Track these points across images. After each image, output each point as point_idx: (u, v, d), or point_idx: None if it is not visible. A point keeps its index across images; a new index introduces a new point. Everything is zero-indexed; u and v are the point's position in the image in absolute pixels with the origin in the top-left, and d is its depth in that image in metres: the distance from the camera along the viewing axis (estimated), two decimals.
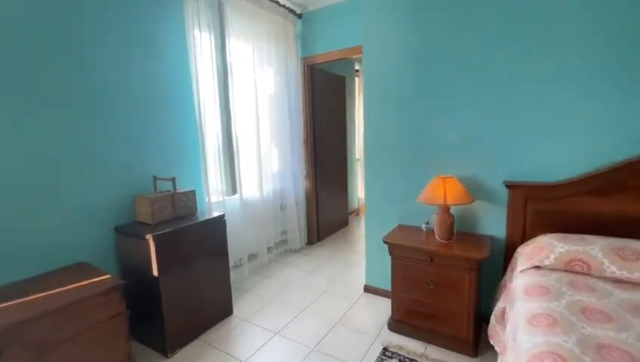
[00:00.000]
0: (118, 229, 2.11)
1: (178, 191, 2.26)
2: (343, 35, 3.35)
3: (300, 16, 3.59)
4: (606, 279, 1.50)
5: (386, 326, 2.27)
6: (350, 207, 5.18)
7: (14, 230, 1.71)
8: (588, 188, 1.81)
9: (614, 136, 1.76)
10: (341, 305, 2.59)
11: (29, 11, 1.72)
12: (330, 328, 2.30)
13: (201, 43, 2.58)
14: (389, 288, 2.27)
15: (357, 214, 5.51)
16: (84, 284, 1.67)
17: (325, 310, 2.53)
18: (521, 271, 1.66)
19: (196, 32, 2.52)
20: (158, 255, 1.93)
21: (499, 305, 1.73)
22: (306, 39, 3.66)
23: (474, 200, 2.07)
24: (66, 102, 1.88)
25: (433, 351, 2.03)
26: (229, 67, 2.87)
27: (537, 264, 1.63)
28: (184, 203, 2.29)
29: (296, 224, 3.77)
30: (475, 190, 2.15)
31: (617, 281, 1.48)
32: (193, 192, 2.36)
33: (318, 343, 2.14)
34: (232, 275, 2.78)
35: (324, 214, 4.19)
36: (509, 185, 2.02)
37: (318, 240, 4.10)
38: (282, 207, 3.70)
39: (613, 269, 1.48)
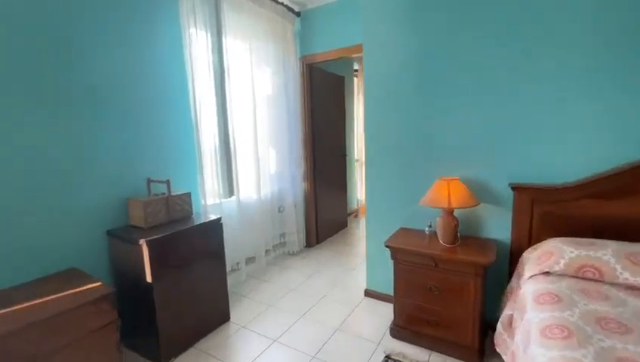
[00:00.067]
0: (110, 233, 2.04)
1: (173, 193, 2.19)
2: (342, 33, 3.29)
3: (298, 14, 3.52)
4: (619, 286, 1.44)
5: (388, 333, 2.21)
6: (349, 208, 5.11)
7: None
8: (596, 191, 1.75)
9: (615, 136, 1.74)
10: (341, 310, 2.52)
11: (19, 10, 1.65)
12: (331, 335, 2.23)
13: (197, 41, 2.51)
14: (390, 292, 2.21)
15: (356, 215, 5.45)
16: (74, 292, 1.59)
17: (325, 315, 2.46)
18: (530, 277, 1.60)
19: (192, 30, 2.45)
20: (151, 260, 1.86)
21: (506, 312, 1.67)
22: (304, 38, 3.59)
23: (479, 203, 2.01)
24: (53, 101, 1.80)
25: (437, 359, 1.97)
26: (225, 66, 2.79)
27: (547, 270, 1.56)
28: (179, 206, 2.22)
29: (295, 226, 3.70)
30: (478, 192, 2.09)
31: (630, 288, 1.42)
32: (189, 195, 2.29)
33: (319, 351, 2.07)
34: (229, 280, 2.70)
35: (323, 216, 4.12)
36: (515, 187, 1.96)
37: (317, 242, 4.03)
38: (280, 209, 3.63)
39: (626, 276, 1.42)
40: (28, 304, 1.47)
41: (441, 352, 2.01)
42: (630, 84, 1.68)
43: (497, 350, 1.69)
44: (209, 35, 2.62)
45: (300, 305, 2.61)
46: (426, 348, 2.05)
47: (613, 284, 1.45)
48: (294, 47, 3.55)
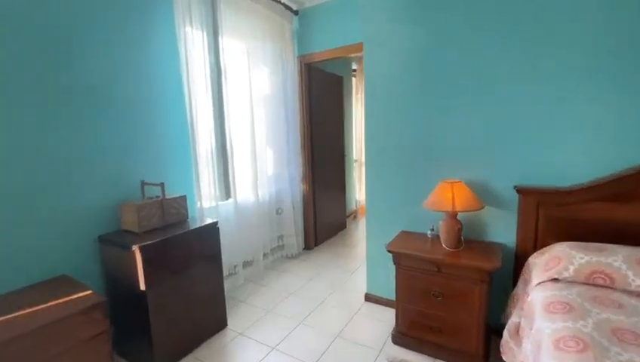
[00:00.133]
0: (101, 238, 1.96)
1: (168, 196, 2.12)
2: (341, 32, 3.22)
3: (296, 12, 3.46)
4: (631, 293, 1.39)
5: (390, 339, 2.15)
6: (348, 209, 5.05)
7: None
8: (603, 194, 1.71)
9: (615, 136, 1.71)
10: (341, 316, 2.46)
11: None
12: (331, 341, 2.17)
13: (193, 40, 2.44)
14: (391, 297, 2.16)
15: (355, 217, 5.39)
16: (64, 302, 1.52)
17: (325, 321, 2.40)
18: (538, 284, 1.54)
19: (187, 28, 2.37)
20: (145, 266, 1.78)
21: (513, 319, 1.62)
22: (302, 37, 3.52)
23: (484, 207, 1.95)
24: (42, 101, 1.73)
25: None
26: (222, 66, 2.72)
27: (555, 276, 1.51)
28: (174, 209, 2.15)
29: (293, 228, 3.63)
30: (481, 195, 2.04)
31: None
32: (184, 198, 2.22)
33: (318, 359, 2.01)
34: (226, 284, 2.63)
35: (322, 217, 4.05)
36: (520, 190, 1.91)
37: (316, 244, 3.97)
38: (278, 211, 3.56)
39: (638, 283, 1.37)
40: (16, 314, 1.41)
41: (445, 359, 1.95)
42: (630, 84, 1.66)
43: (503, 358, 1.64)
44: (205, 33, 2.55)
45: (299, 311, 2.55)
46: (429, 355, 2.00)
47: (624, 291, 1.40)
48: (292, 47, 3.48)
